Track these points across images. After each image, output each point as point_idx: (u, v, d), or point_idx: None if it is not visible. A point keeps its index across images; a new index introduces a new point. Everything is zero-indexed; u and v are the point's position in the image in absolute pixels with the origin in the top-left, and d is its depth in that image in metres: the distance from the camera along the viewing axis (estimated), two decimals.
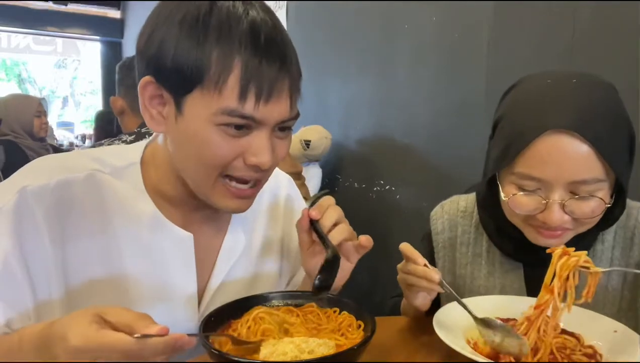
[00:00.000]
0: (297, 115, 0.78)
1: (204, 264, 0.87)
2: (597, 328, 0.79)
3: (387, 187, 2.60)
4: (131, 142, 1.94)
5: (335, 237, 0.81)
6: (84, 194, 0.77)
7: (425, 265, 0.82)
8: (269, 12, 0.76)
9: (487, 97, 1.94)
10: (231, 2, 0.72)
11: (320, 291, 0.77)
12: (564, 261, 0.75)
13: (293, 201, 1.02)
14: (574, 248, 0.76)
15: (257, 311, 0.77)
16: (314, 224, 0.82)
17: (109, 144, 1.93)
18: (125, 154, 0.83)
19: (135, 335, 0.56)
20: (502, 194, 0.88)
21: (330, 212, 0.83)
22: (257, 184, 0.80)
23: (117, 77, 2.11)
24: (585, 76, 0.87)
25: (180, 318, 0.83)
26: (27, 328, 0.66)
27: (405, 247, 0.85)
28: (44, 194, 0.73)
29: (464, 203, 1.09)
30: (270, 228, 0.97)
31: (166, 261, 0.82)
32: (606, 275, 0.92)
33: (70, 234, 0.75)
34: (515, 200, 0.86)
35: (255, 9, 0.73)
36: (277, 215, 0.99)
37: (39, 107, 3.08)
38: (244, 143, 0.73)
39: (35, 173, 0.76)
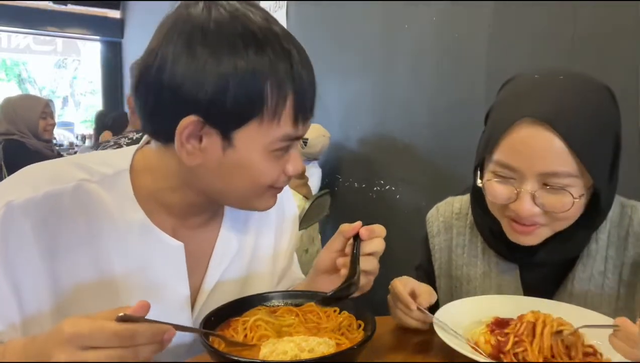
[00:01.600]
0: None
1: (196, 269, 0.86)
2: (597, 328, 0.79)
3: (387, 187, 2.60)
4: (138, 139, 1.95)
5: (365, 265, 0.81)
6: (72, 205, 0.74)
7: (417, 308, 0.84)
8: (272, 17, 0.76)
9: (487, 97, 1.94)
10: (257, 18, 0.71)
11: (325, 303, 0.78)
12: (538, 335, 0.74)
13: (284, 204, 1.01)
14: (544, 315, 0.76)
15: (255, 317, 0.75)
16: (356, 241, 0.82)
17: (115, 142, 1.93)
18: (113, 162, 0.81)
19: (119, 315, 0.57)
20: (478, 181, 0.91)
21: (377, 242, 0.82)
22: None
23: (131, 75, 2.11)
24: (577, 76, 0.88)
25: (178, 312, 0.83)
26: (11, 342, 0.66)
27: (399, 291, 0.86)
28: (31, 207, 0.71)
29: (459, 204, 1.10)
30: (262, 232, 0.96)
31: (157, 270, 0.80)
32: (602, 275, 0.92)
33: (60, 246, 0.73)
34: (490, 186, 0.88)
35: (270, 18, 0.73)
36: (269, 219, 0.98)
37: (45, 109, 3.11)
38: (285, 159, 0.78)
39: (21, 186, 0.74)
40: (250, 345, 0.71)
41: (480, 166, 0.94)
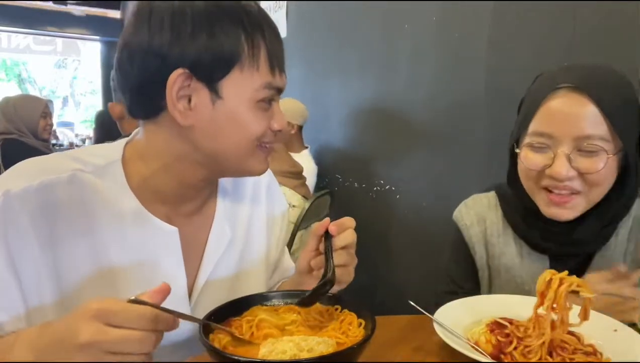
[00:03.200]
0: None
1: (192, 257, 0.88)
2: (597, 327, 0.79)
3: (387, 187, 2.60)
4: None
5: (339, 260, 0.82)
6: (68, 195, 0.76)
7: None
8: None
9: (487, 97, 1.94)
10: None
11: (303, 304, 0.78)
12: (554, 289, 0.74)
13: (272, 187, 1.05)
14: (566, 272, 0.76)
15: (259, 318, 0.76)
16: (327, 237, 0.83)
17: None
18: (105, 153, 0.83)
19: (130, 298, 0.60)
20: (515, 150, 0.97)
21: (347, 235, 0.84)
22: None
23: (114, 84, 2.12)
24: (607, 65, 0.95)
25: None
26: (23, 331, 0.67)
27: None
28: (28, 196, 0.73)
29: (486, 199, 1.14)
30: (253, 223, 0.98)
31: (154, 256, 0.82)
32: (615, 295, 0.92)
33: (57, 235, 0.75)
34: (526, 155, 0.95)
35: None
36: (260, 209, 1.00)
37: (45, 109, 3.14)
38: (269, 114, 0.82)
39: (16, 177, 0.76)
40: (256, 343, 0.71)
41: (515, 146, 0.99)
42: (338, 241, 0.83)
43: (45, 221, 0.74)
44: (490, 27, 1.95)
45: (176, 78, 0.74)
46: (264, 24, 0.80)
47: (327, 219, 0.85)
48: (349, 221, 0.85)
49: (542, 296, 0.76)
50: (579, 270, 0.96)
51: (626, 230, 0.96)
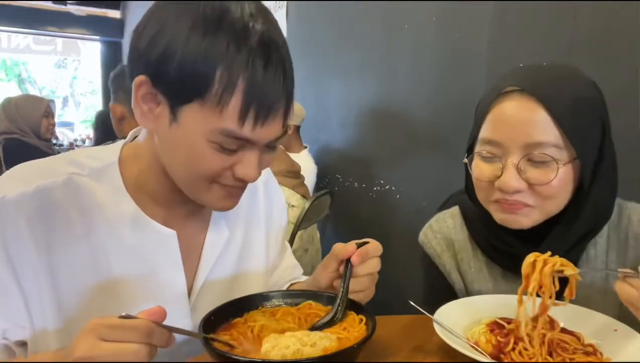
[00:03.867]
0: (287, 131, 0.79)
1: (190, 258, 0.87)
2: (597, 327, 0.79)
3: (387, 187, 2.60)
4: None
5: (356, 286, 0.80)
6: (64, 199, 0.75)
7: None
8: (272, 21, 0.74)
9: None
10: (240, 10, 0.70)
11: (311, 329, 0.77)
12: (538, 270, 0.74)
13: (270, 185, 1.03)
14: (549, 252, 0.76)
15: (259, 324, 0.75)
16: (349, 263, 0.80)
17: None
18: (101, 155, 0.82)
19: (122, 315, 0.60)
20: (465, 161, 0.91)
21: (370, 264, 0.81)
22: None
23: (113, 86, 2.12)
24: (564, 65, 0.91)
25: (173, 314, 0.82)
26: (40, 354, 0.69)
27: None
28: (24, 201, 0.72)
29: (451, 219, 1.07)
30: (251, 221, 0.97)
31: (152, 259, 0.82)
32: (604, 280, 0.91)
33: (55, 240, 0.74)
34: (476, 166, 0.89)
35: (261, 17, 0.72)
36: (257, 206, 0.99)
37: (47, 108, 3.14)
38: (234, 159, 0.75)
39: (12, 182, 0.75)
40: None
41: (467, 154, 0.94)
42: (362, 269, 0.80)
43: (42, 226, 0.73)
44: (490, 27, 1.95)
45: (140, 84, 0.72)
46: (259, 63, 0.69)
47: (354, 245, 0.81)
48: (374, 250, 0.82)
49: (527, 279, 0.76)
50: (562, 285, 0.93)
51: (604, 238, 0.92)
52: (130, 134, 0.88)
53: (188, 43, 0.68)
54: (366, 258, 0.81)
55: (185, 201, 0.83)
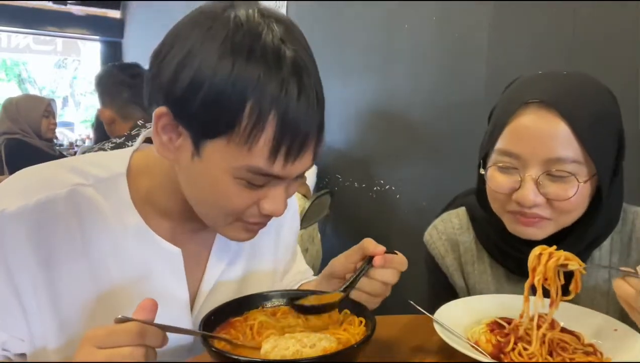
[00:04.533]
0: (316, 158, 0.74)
1: (194, 271, 0.85)
2: (597, 327, 0.79)
3: (387, 187, 2.60)
4: (120, 143, 1.94)
5: (365, 286, 0.79)
6: (66, 212, 0.72)
7: None
8: (300, 41, 0.68)
9: (487, 96, 1.94)
10: (271, 35, 0.64)
11: (298, 310, 0.77)
12: (543, 263, 0.75)
13: None
14: (554, 247, 0.76)
15: (259, 320, 0.75)
16: (369, 262, 0.79)
17: (99, 148, 1.93)
18: (109, 164, 0.78)
19: (117, 317, 0.60)
20: (481, 170, 0.89)
21: (389, 273, 0.79)
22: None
23: (98, 90, 2.12)
24: (578, 73, 0.88)
25: (177, 314, 0.83)
26: None
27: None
28: (24, 216, 0.70)
29: (457, 219, 1.06)
30: (261, 231, 0.96)
31: (156, 276, 0.79)
32: (607, 282, 0.91)
33: (56, 254, 0.72)
34: (492, 177, 0.87)
35: (290, 39, 0.66)
36: None
37: (47, 108, 3.13)
38: (260, 194, 0.71)
39: (13, 194, 0.72)
40: (257, 348, 0.70)
41: (482, 164, 0.92)
42: (379, 274, 0.79)
43: (43, 240, 0.71)
44: (490, 27, 1.95)
45: (160, 114, 0.67)
46: (292, 94, 0.63)
47: (384, 248, 0.79)
48: (399, 262, 0.80)
49: (533, 271, 0.76)
50: (565, 287, 0.92)
51: (607, 241, 0.92)
52: (140, 139, 0.84)
53: (216, 75, 0.62)
54: (389, 265, 0.79)
55: (193, 218, 0.79)
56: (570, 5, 1.63)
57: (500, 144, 0.85)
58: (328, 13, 2.98)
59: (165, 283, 0.80)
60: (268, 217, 0.74)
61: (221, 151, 0.66)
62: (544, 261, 0.75)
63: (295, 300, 0.77)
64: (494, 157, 0.87)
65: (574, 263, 0.74)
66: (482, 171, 0.90)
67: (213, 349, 0.65)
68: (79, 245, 0.74)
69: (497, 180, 0.86)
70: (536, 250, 0.77)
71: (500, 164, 0.86)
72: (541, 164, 0.81)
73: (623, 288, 0.67)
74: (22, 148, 2.98)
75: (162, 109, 0.67)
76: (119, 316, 0.60)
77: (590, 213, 0.86)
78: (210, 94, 0.63)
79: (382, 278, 0.79)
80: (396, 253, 0.81)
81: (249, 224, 0.75)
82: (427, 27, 2.26)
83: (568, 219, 0.86)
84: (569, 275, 0.76)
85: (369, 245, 0.80)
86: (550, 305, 0.76)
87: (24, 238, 0.70)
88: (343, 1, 2.81)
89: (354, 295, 0.80)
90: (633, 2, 1.47)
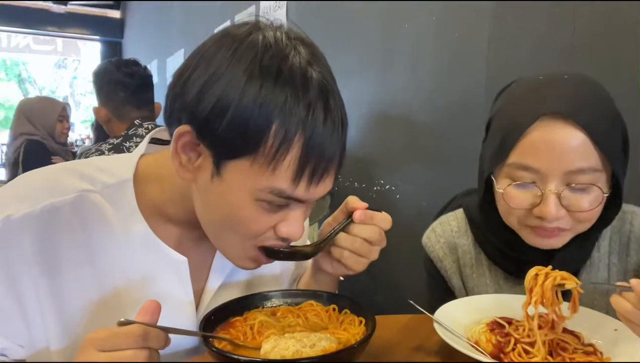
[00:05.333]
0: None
1: (199, 277, 0.85)
2: (597, 327, 0.79)
3: (387, 187, 2.60)
4: (118, 144, 1.93)
5: (342, 242, 0.78)
6: (72, 218, 0.72)
7: None
8: (324, 63, 0.69)
9: (487, 96, 1.94)
10: (298, 57, 0.65)
11: (269, 255, 0.75)
12: (540, 284, 0.74)
13: None
14: (550, 267, 0.76)
15: (259, 320, 0.75)
16: (349, 218, 0.78)
17: (97, 149, 1.92)
18: (116, 170, 0.78)
19: (120, 320, 0.60)
20: (497, 188, 0.85)
21: (370, 229, 0.78)
22: None
23: (95, 87, 2.10)
24: (579, 74, 0.87)
25: (180, 336, 0.82)
26: None
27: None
28: (29, 222, 0.69)
29: (455, 222, 1.05)
30: None
31: (162, 284, 0.79)
32: (606, 281, 0.91)
33: (61, 261, 0.71)
34: (509, 193, 0.83)
35: (316, 62, 0.67)
36: None
37: (62, 112, 3.12)
38: (278, 217, 0.70)
39: (19, 199, 0.71)
40: (257, 349, 0.70)
41: (490, 177, 0.89)
42: (358, 229, 0.78)
43: (47, 247, 0.70)
44: (490, 27, 1.95)
45: (182, 134, 0.67)
46: (319, 117, 0.64)
47: (366, 204, 0.79)
48: (380, 219, 0.79)
49: (530, 292, 0.76)
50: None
51: (606, 242, 0.92)
52: (145, 141, 0.83)
53: (244, 96, 0.62)
54: (369, 221, 0.78)
55: (199, 227, 0.78)
56: (570, 5, 1.63)
57: (514, 158, 0.82)
58: (328, 13, 2.98)
59: (171, 290, 0.80)
60: (284, 241, 0.73)
61: (244, 171, 0.65)
62: (541, 281, 0.74)
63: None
64: (507, 171, 0.84)
65: (571, 282, 0.73)
66: (498, 189, 0.85)
67: (213, 349, 0.65)
68: (84, 252, 0.73)
69: (515, 197, 0.83)
70: (532, 271, 0.76)
71: (518, 182, 0.82)
72: (561, 176, 0.79)
73: (620, 304, 0.67)
74: (41, 150, 2.98)
75: (185, 127, 0.67)
76: (122, 319, 0.60)
77: (601, 216, 0.85)
78: (237, 115, 0.63)
79: (361, 234, 0.78)
80: (380, 211, 0.80)
81: (258, 254, 0.74)
82: (427, 27, 2.26)
83: (585, 227, 0.85)
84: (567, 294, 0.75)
85: (352, 200, 0.80)
86: (551, 327, 0.76)
87: (29, 245, 0.69)
88: (343, 1, 2.82)
89: (335, 252, 0.79)
90: (633, 2, 1.47)
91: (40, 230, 0.70)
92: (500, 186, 0.85)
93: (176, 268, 0.80)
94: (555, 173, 0.79)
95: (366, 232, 0.78)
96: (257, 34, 0.66)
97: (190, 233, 0.81)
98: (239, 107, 0.62)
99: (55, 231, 0.71)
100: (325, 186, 0.69)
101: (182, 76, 0.68)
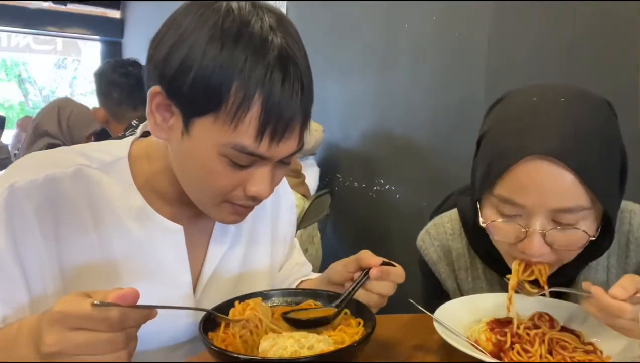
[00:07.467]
0: (302, 146, 0.77)
1: (196, 255, 0.87)
2: (597, 326, 0.79)
3: (387, 187, 2.60)
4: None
5: (363, 297, 0.79)
6: (72, 189, 0.76)
7: None
8: (292, 34, 0.72)
9: (487, 96, 1.94)
10: (260, 23, 0.69)
11: (291, 324, 0.76)
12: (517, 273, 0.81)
13: (279, 192, 1.02)
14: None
15: (255, 312, 0.75)
16: (366, 274, 0.79)
17: None
18: (111, 150, 0.83)
19: (94, 302, 0.56)
20: (480, 220, 0.84)
21: (385, 285, 0.80)
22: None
23: (95, 87, 2.10)
24: (576, 95, 0.80)
25: (178, 310, 0.83)
26: (26, 318, 0.66)
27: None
28: (33, 189, 0.73)
29: (449, 224, 1.04)
30: (258, 215, 0.97)
31: (158, 254, 0.82)
32: (605, 284, 0.91)
33: (61, 229, 0.75)
34: (494, 227, 0.82)
35: (281, 31, 0.70)
36: (264, 206, 0.98)
37: (94, 132, 3.00)
38: (245, 175, 0.73)
39: (22, 170, 0.75)
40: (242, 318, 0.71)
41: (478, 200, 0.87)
42: (376, 286, 0.80)
43: (49, 215, 0.74)
44: (490, 27, 1.95)
45: (154, 94, 0.72)
46: (277, 79, 0.68)
47: (381, 259, 0.80)
48: (395, 274, 0.81)
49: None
50: (562, 292, 0.85)
51: None
52: (140, 129, 0.87)
53: (205, 56, 0.67)
54: (386, 277, 0.80)
55: (192, 202, 0.82)
56: (570, 4, 1.63)
57: (500, 190, 0.79)
58: (328, 13, 2.99)
59: (168, 260, 0.83)
60: (254, 200, 0.77)
61: (208, 128, 0.69)
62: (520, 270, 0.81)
63: (287, 314, 0.77)
64: (493, 201, 0.81)
65: (534, 290, 0.80)
66: (482, 224, 0.83)
67: (213, 348, 0.65)
68: (84, 222, 0.76)
69: (500, 230, 0.81)
70: (518, 262, 0.81)
71: (503, 213, 0.80)
72: (547, 214, 0.76)
73: (591, 311, 0.68)
74: None
75: (156, 88, 0.72)
76: (96, 302, 0.56)
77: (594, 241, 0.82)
78: (199, 74, 0.67)
79: (378, 291, 0.80)
80: (394, 265, 0.82)
81: (236, 207, 0.78)
82: (427, 27, 2.26)
83: (572, 256, 0.83)
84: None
85: (366, 256, 0.81)
86: (551, 327, 0.78)
87: (32, 212, 0.72)
88: (343, 1, 2.82)
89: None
90: (633, 2, 1.48)
91: (43, 197, 0.73)
92: (486, 216, 0.83)
93: (172, 238, 0.83)
94: (541, 210, 0.76)
95: (383, 289, 0.80)
96: (223, 1, 0.71)
97: (185, 210, 0.85)
98: (201, 67, 0.67)
99: (56, 199, 0.74)
100: (288, 145, 0.73)
101: (155, 40, 0.74)
